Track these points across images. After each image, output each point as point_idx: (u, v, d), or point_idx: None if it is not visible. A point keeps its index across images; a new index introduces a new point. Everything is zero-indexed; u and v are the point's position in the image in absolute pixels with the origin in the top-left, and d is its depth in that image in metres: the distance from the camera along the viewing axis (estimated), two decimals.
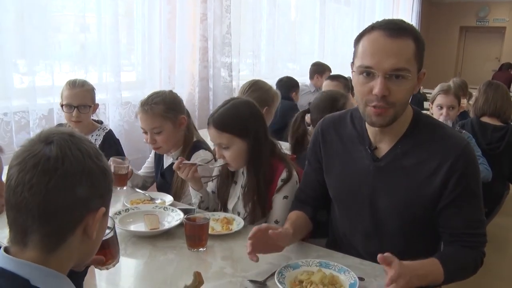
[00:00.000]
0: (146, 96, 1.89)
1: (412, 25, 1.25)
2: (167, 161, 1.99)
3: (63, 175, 0.71)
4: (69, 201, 0.72)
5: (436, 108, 2.64)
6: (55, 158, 0.71)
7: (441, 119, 2.51)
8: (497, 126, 2.71)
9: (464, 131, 2.58)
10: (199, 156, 1.87)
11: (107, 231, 1.11)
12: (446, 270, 1.20)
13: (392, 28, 1.18)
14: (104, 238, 1.07)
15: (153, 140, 1.85)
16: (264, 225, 1.26)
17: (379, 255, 1.09)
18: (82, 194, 0.73)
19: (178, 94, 2.00)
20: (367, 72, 1.20)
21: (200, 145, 1.94)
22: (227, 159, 1.61)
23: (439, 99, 2.63)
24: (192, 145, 1.92)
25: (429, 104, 2.77)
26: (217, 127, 1.58)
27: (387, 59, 1.16)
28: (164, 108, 1.82)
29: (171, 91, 1.94)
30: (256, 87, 2.29)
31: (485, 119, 2.74)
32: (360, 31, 1.27)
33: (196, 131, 2.04)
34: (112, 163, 1.86)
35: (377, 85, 1.17)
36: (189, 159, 1.87)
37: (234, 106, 1.62)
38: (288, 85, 3.82)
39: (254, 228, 1.24)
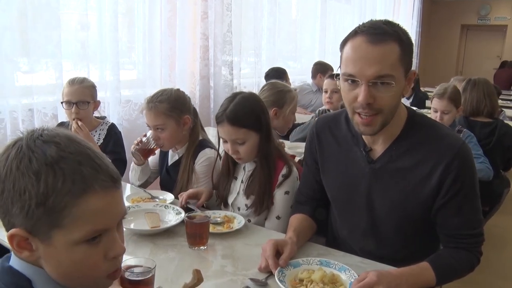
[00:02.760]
0: (153, 93, 1.90)
1: (397, 26, 1.20)
2: (172, 157, 2.00)
3: None
4: None
5: (432, 111, 2.63)
6: None
7: None
8: (485, 122, 2.71)
9: (465, 129, 2.57)
10: (206, 155, 1.88)
11: (147, 272, 1.06)
12: (438, 274, 1.21)
13: (374, 33, 1.14)
14: (140, 278, 1.05)
15: (157, 137, 1.88)
16: (271, 244, 1.26)
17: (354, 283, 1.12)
18: (0, 204, 0.68)
19: None
20: (351, 80, 1.18)
21: (206, 143, 1.95)
22: (241, 154, 1.60)
23: (434, 103, 2.61)
24: (197, 143, 1.93)
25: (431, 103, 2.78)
26: (233, 123, 1.56)
27: (369, 66, 1.13)
28: (168, 107, 1.83)
29: (178, 90, 1.94)
30: (269, 86, 2.28)
31: (471, 117, 2.75)
32: None
33: (203, 131, 2.04)
34: (148, 134, 1.92)
35: (361, 93, 1.16)
36: (195, 157, 1.88)
37: (245, 100, 1.61)
38: (276, 76, 3.82)
39: (268, 250, 1.25)
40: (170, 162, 2.00)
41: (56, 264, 0.70)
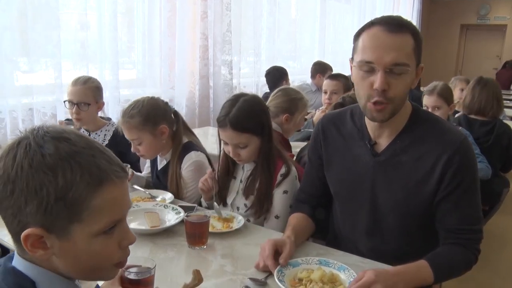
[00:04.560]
0: (126, 106, 1.86)
1: (410, 21, 1.26)
2: (160, 163, 1.98)
3: None
4: (3, 208, 0.67)
5: (425, 108, 2.64)
6: None
7: None
8: (484, 120, 2.72)
9: (461, 128, 2.58)
10: (191, 158, 1.85)
11: (147, 272, 1.05)
12: (436, 272, 1.21)
13: (392, 24, 1.20)
14: (140, 278, 1.03)
15: (136, 149, 1.85)
16: (270, 244, 1.27)
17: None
18: (9, 205, 0.66)
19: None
20: (368, 67, 1.21)
21: (192, 146, 1.91)
22: (242, 157, 1.61)
23: (424, 100, 2.64)
24: (182, 147, 1.89)
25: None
26: (236, 128, 1.56)
27: (387, 53, 1.18)
28: (140, 120, 1.79)
29: (151, 99, 1.87)
30: (282, 93, 2.29)
31: (472, 115, 2.75)
32: None
33: (190, 132, 2.00)
34: None
35: (377, 80, 1.19)
36: (180, 161, 1.85)
37: (247, 104, 1.60)
38: (277, 75, 3.81)
39: (267, 250, 1.25)
40: (159, 167, 1.98)
41: (72, 259, 0.70)
